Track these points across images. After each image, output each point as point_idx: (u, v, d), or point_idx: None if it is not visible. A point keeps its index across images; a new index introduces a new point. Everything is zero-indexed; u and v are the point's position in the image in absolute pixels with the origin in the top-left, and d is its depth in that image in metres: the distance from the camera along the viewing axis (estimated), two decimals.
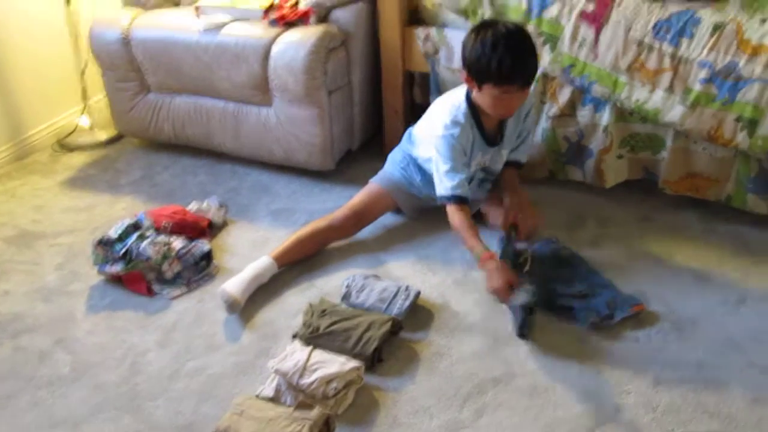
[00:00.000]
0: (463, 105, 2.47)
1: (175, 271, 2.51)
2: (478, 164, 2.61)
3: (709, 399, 1.98)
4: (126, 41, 3.08)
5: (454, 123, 2.45)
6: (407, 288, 2.34)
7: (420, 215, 2.81)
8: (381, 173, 2.81)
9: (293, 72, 2.80)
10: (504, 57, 2.25)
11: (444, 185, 2.48)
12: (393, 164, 2.79)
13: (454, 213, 2.46)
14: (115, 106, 3.31)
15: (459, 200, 2.46)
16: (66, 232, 2.85)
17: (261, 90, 2.94)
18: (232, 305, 2.35)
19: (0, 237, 2.83)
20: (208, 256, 2.59)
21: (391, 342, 2.20)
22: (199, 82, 3.04)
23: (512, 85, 2.30)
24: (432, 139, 2.51)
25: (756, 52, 2.37)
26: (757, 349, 2.14)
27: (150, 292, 2.48)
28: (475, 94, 2.41)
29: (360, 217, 2.70)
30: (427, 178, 2.67)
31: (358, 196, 2.74)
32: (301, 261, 2.59)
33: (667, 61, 2.50)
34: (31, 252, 2.74)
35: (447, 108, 2.49)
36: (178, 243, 2.55)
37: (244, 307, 2.37)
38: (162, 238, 2.55)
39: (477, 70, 2.33)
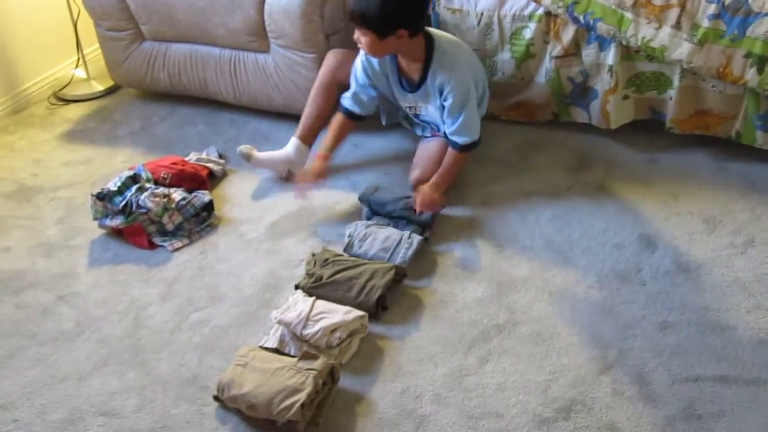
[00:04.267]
0: None
1: (175, 222, 2.49)
2: (405, 106, 2.65)
3: (716, 341, 1.96)
4: None
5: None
6: (410, 236, 2.31)
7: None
8: None
9: (290, 16, 2.73)
10: None
11: (347, 93, 2.65)
12: None
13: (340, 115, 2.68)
14: (109, 56, 3.24)
15: (342, 109, 2.65)
16: (65, 186, 2.82)
17: (257, 36, 2.87)
18: (247, 155, 2.68)
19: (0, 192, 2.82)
20: (209, 207, 2.56)
21: (395, 290, 2.19)
22: (194, 29, 2.97)
23: (353, 21, 2.34)
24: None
25: None
26: (764, 290, 2.11)
27: (151, 245, 2.46)
28: None
29: (350, 52, 2.71)
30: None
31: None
32: (324, 123, 2.73)
33: None
34: (31, 207, 2.72)
35: None
36: (177, 194, 2.52)
37: (244, 259, 2.37)
38: (161, 189, 2.52)
39: None
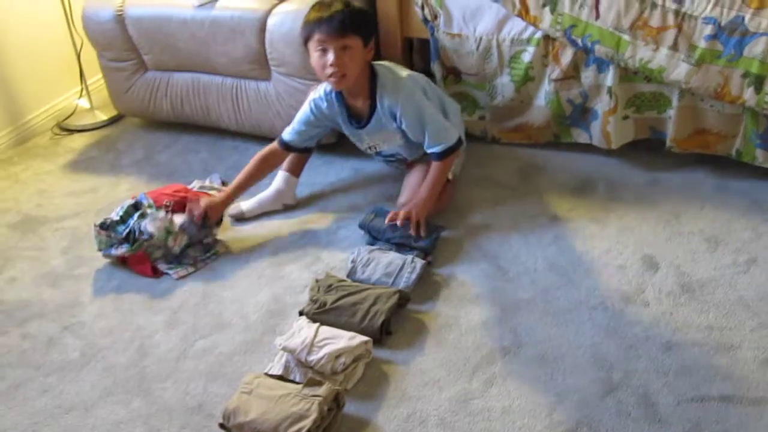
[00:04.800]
0: (328, 87, 2.53)
1: (181, 244, 2.49)
2: (364, 148, 2.69)
3: (720, 361, 1.96)
4: (120, 20, 3.04)
5: (314, 99, 2.57)
6: (413, 260, 2.32)
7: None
8: None
9: (291, 44, 2.76)
10: (311, 6, 2.37)
11: (287, 128, 2.66)
12: None
13: (270, 147, 2.68)
14: (112, 86, 3.28)
15: (280, 141, 2.66)
16: (70, 216, 2.84)
17: (259, 64, 2.90)
18: (239, 214, 2.69)
19: (4, 223, 2.83)
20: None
21: (399, 315, 2.19)
22: (195, 59, 3.00)
23: (319, 31, 2.31)
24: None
25: (762, 5, 2.31)
26: None
27: (156, 273, 2.47)
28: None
29: None
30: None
31: None
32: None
33: (670, 18, 2.44)
34: (36, 237, 2.73)
35: (317, 88, 2.60)
36: (178, 218, 2.54)
37: (248, 286, 2.38)
38: (162, 213, 2.53)
39: (301, 31, 2.42)
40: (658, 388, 1.90)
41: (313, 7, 2.36)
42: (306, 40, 2.38)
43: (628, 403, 1.87)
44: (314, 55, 2.37)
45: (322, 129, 2.66)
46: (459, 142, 2.54)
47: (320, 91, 2.56)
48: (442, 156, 2.51)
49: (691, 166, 2.76)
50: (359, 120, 2.56)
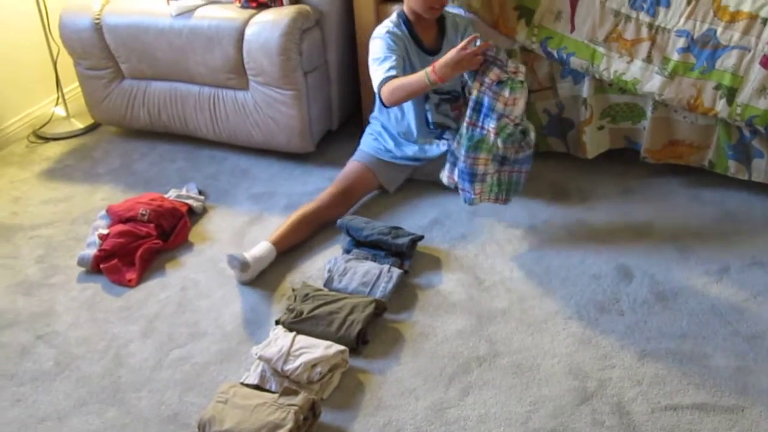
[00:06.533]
0: (396, 20, 2.61)
1: None
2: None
3: (694, 369, 1.98)
4: (97, 28, 3.03)
5: (388, 30, 2.57)
6: (390, 270, 2.32)
7: (400, 188, 2.84)
8: (358, 149, 2.85)
9: (268, 53, 2.76)
10: None
11: (377, 75, 2.51)
12: (366, 136, 2.86)
13: (387, 90, 2.46)
14: (88, 94, 3.26)
15: (383, 81, 2.48)
16: (45, 224, 2.81)
17: (237, 73, 2.90)
18: (243, 265, 2.37)
19: None
20: None
21: (376, 324, 2.19)
22: (173, 68, 3.00)
23: None
24: (370, 62, 2.58)
25: (733, 18, 2.35)
26: (740, 317, 2.14)
27: (130, 282, 2.45)
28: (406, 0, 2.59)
29: (346, 196, 2.70)
30: (398, 142, 2.76)
31: (341, 175, 2.76)
32: (298, 246, 2.56)
33: (644, 31, 2.47)
34: (9, 246, 2.71)
35: (380, 26, 2.61)
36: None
37: (225, 295, 2.37)
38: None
39: None
40: (633, 397, 1.91)
41: None
42: None
43: (603, 411, 1.88)
44: None
45: (402, 61, 2.59)
46: None
47: (387, 25, 2.60)
48: None
49: (664, 176, 2.80)
50: (432, 51, 2.62)
